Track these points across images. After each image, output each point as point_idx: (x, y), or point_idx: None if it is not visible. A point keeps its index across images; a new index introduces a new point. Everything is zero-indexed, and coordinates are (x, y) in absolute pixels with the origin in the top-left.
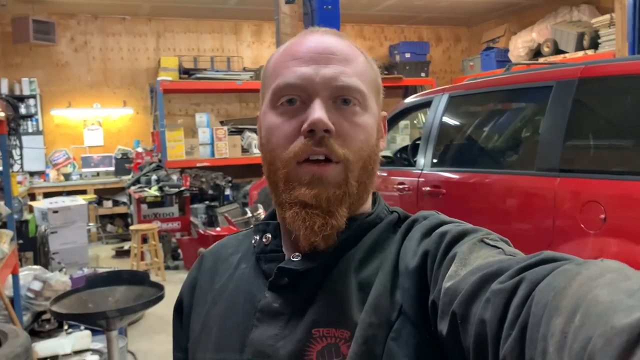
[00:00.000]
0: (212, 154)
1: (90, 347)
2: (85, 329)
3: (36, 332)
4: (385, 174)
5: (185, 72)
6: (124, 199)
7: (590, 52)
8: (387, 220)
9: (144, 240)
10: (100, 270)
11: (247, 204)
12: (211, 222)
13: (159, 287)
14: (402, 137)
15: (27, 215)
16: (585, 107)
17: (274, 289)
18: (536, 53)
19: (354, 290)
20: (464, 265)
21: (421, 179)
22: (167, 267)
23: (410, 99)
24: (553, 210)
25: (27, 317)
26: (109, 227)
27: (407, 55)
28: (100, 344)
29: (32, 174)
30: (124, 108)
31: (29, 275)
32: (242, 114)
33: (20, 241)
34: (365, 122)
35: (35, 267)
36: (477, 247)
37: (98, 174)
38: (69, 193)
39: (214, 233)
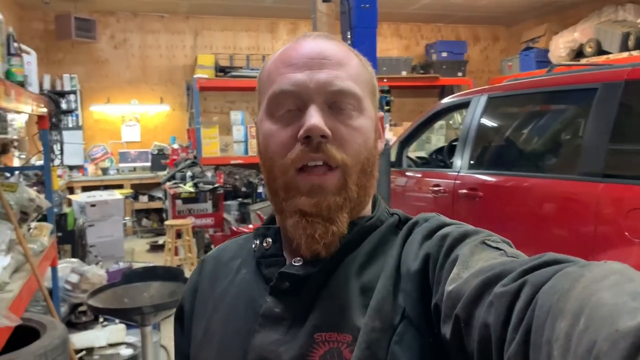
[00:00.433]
0: (246, 151)
1: (125, 341)
2: (120, 322)
3: (73, 324)
4: (420, 175)
5: (221, 70)
6: (160, 194)
7: (635, 52)
8: (388, 223)
9: (178, 235)
10: (136, 265)
11: None
12: (243, 219)
13: None
14: (437, 138)
15: (66, 209)
16: (631, 111)
17: (275, 294)
18: (578, 53)
19: (356, 294)
20: (466, 267)
21: (457, 181)
22: None
23: (447, 99)
24: (595, 217)
25: (64, 309)
26: (144, 222)
27: (444, 54)
28: (134, 337)
29: (71, 168)
30: (161, 105)
31: (67, 267)
32: None
33: (59, 234)
34: (362, 125)
35: (72, 259)
36: (478, 249)
37: (135, 169)
38: (107, 187)
39: (246, 230)
